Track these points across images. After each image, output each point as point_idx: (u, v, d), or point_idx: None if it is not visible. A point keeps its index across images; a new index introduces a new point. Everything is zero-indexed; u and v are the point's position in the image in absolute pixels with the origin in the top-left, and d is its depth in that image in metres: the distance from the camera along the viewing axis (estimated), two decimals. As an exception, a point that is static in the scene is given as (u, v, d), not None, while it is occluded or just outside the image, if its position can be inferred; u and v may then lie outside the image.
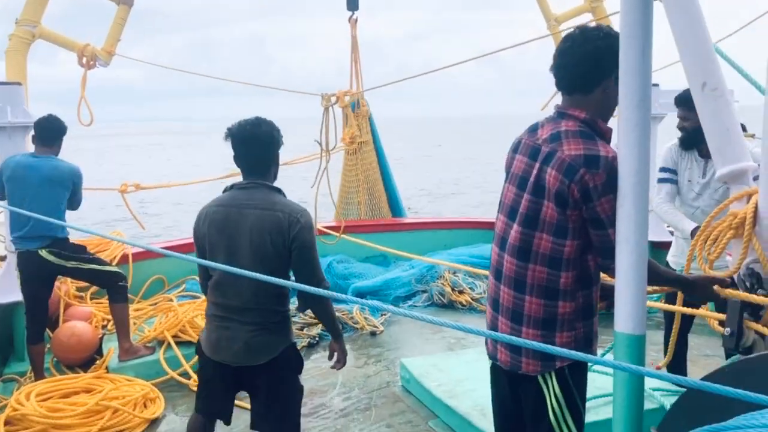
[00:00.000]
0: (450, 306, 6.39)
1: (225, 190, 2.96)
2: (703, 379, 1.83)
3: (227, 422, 3.09)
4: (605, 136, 2.25)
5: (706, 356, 4.97)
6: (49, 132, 4.83)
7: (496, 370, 2.48)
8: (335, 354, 3.13)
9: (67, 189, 4.77)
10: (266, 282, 2.73)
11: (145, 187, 6.62)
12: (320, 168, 5.93)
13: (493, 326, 2.38)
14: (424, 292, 6.60)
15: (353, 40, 7.63)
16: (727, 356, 3.60)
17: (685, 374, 3.93)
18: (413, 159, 38.97)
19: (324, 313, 3.09)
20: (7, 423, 3.88)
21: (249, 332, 2.84)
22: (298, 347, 5.25)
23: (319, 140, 5.84)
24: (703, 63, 2.65)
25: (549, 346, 1.54)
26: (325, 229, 6.94)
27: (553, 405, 2.27)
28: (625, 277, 1.97)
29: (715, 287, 2.42)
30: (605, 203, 2.08)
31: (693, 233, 3.70)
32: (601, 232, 2.13)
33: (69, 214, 4.91)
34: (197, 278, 3.28)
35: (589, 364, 2.78)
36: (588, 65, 2.21)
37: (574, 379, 2.30)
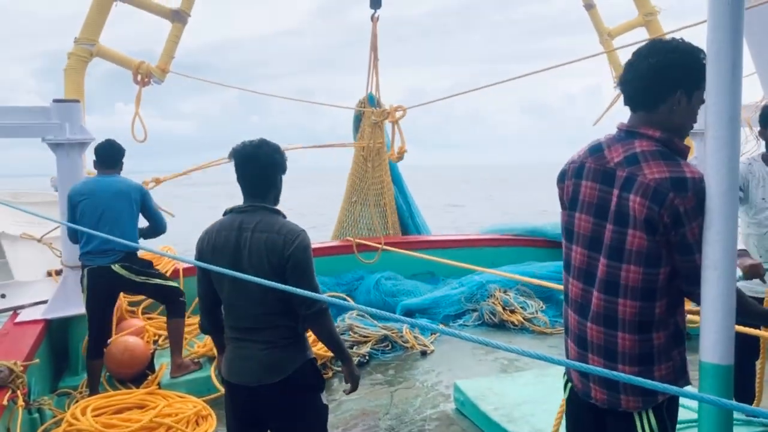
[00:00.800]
0: (501, 326, 6.26)
1: (225, 213, 2.96)
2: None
3: None
4: (684, 155, 2.13)
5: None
6: (110, 155, 4.99)
7: (577, 405, 2.36)
8: (346, 379, 3.04)
9: (137, 203, 4.91)
10: (273, 299, 2.75)
11: (165, 179, 6.59)
12: (382, 185, 5.82)
13: (580, 370, 2.26)
14: (474, 311, 6.49)
15: (373, 38, 7.45)
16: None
17: (753, 402, 3.74)
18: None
19: (324, 334, 2.93)
20: (63, 438, 3.90)
21: (262, 350, 2.83)
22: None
23: (364, 154, 5.79)
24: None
25: (649, 381, 1.43)
26: (366, 243, 6.91)
27: None
28: (713, 305, 1.87)
29: None
30: (696, 227, 1.95)
31: (746, 275, 3.26)
32: (688, 257, 2.00)
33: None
34: None
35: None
36: (650, 80, 2.09)
37: (669, 413, 2.19)
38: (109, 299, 4.94)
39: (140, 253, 5.43)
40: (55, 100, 5.41)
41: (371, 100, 7.47)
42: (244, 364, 2.87)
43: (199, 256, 2.93)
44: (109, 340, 5.21)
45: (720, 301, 1.87)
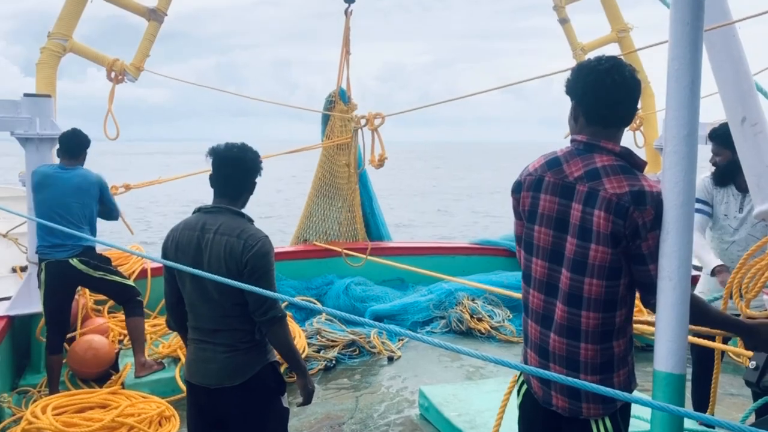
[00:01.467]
0: (468, 333, 6.30)
1: (194, 212, 2.98)
2: (754, 425, 1.77)
3: None
4: (641, 168, 2.19)
5: (730, 395, 4.85)
6: (74, 145, 4.94)
7: (533, 410, 2.40)
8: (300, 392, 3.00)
9: (95, 198, 4.90)
10: (231, 304, 2.78)
11: (135, 186, 6.52)
12: (351, 189, 5.85)
13: (544, 377, 2.29)
14: (442, 318, 6.52)
15: (346, 32, 7.34)
16: (754, 396, 3.51)
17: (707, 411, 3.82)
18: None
19: (278, 343, 2.90)
20: (22, 436, 3.84)
21: (222, 353, 2.84)
22: (314, 370, 5.25)
23: (347, 162, 5.80)
24: (743, 98, 2.62)
25: (611, 390, 1.46)
26: (349, 252, 6.91)
27: None
28: (668, 315, 1.92)
29: None
30: (651, 239, 2.01)
31: (714, 271, 3.64)
32: (643, 268, 2.06)
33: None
34: None
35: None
36: (636, 99, 2.20)
37: (623, 417, 2.25)
38: (67, 293, 4.90)
39: (108, 252, 5.40)
40: (26, 95, 5.35)
41: (342, 95, 7.40)
42: (204, 366, 2.88)
43: (164, 254, 2.94)
44: (69, 336, 5.16)
45: (674, 312, 1.92)
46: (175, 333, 5.31)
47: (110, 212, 5.14)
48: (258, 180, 3.04)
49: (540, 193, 2.24)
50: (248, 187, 2.98)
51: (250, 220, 2.94)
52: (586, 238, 2.10)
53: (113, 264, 5.31)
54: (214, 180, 2.94)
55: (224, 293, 2.77)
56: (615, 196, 2.04)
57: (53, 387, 4.74)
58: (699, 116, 1.90)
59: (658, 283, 1.96)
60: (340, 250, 6.74)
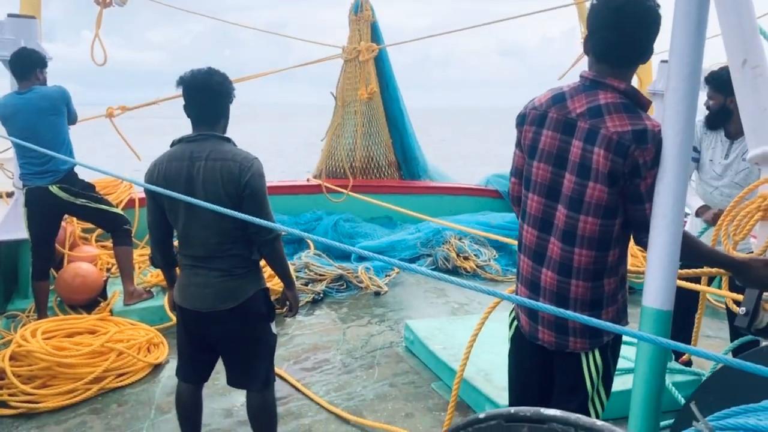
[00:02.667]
0: (454, 272, 6.38)
1: (173, 144, 2.92)
2: (741, 357, 1.82)
3: (205, 379, 3.12)
4: (645, 107, 2.16)
5: (707, 337, 4.98)
6: (21, 64, 4.65)
7: (522, 343, 2.44)
8: (288, 303, 3.12)
9: (62, 114, 4.66)
10: (229, 228, 2.78)
11: (132, 108, 6.38)
12: (333, 121, 5.83)
13: (532, 308, 2.33)
14: (428, 256, 6.59)
15: None
16: (734, 337, 3.62)
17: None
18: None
19: (279, 258, 2.99)
20: (11, 359, 3.88)
21: (217, 278, 2.87)
22: (301, 302, 5.32)
23: (334, 93, 5.74)
24: (746, 39, 2.59)
25: (599, 321, 1.48)
26: (332, 186, 6.89)
27: (592, 377, 2.26)
28: (659, 253, 1.94)
29: None
30: (649, 178, 1.99)
31: (699, 212, 3.74)
32: (639, 206, 2.06)
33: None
34: None
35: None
36: (651, 36, 2.09)
37: (613, 352, 2.30)
38: (50, 220, 4.80)
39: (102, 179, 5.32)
40: (10, 15, 5.19)
41: (356, 8, 7.19)
42: (198, 290, 2.90)
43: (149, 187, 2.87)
44: (55, 261, 5.15)
45: (666, 250, 1.94)
46: None
47: (70, 119, 4.78)
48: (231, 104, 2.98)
49: (542, 128, 2.22)
50: (222, 111, 2.93)
51: (235, 145, 2.92)
52: (585, 176, 2.10)
53: (100, 192, 5.27)
54: (189, 109, 2.89)
55: (222, 217, 2.75)
56: (616, 134, 2.03)
57: (41, 312, 4.76)
58: (703, 56, 1.88)
59: (651, 221, 1.97)
60: (321, 184, 6.67)
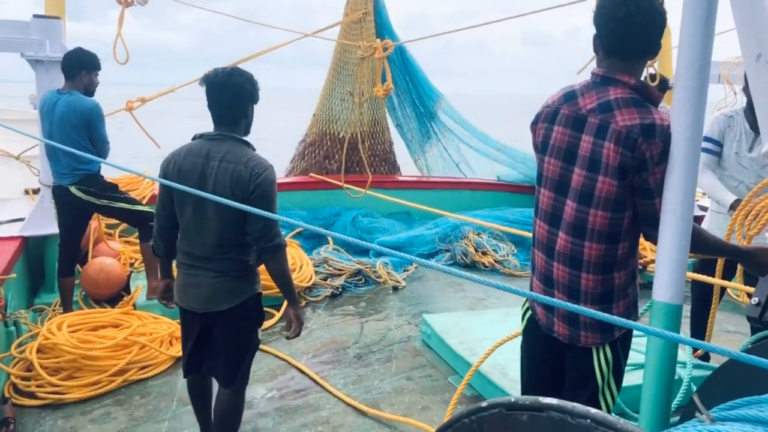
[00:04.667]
0: (473, 267, 6.41)
1: (194, 138, 2.96)
2: (747, 351, 1.83)
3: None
4: (656, 102, 2.18)
5: (727, 332, 4.96)
6: (68, 64, 4.73)
7: (535, 335, 2.47)
8: (291, 322, 3.05)
9: (77, 128, 4.62)
10: (229, 233, 2.81)
11: (150, 98, 6.43)
12: (355, 118, 5.87)
13: (546, 303, 2.36)
14: (447, 251, 6.62)
15: None
16: (752, 331, 3.60)
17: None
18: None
19: (279, 269, 2.96)
20: (39, 351, 3.99)
21: (213, 278, 2.90)
22: (320, 297, 5.38)
23: (351, 90, 5.78)
24: (761, 34, 2.58)
25: (608, 316, 1.50)
26: (350, 185, 6.94)
27: (603, 371, 2.28)
28: (669, 247, 1.96)
29: None
30: (658, 173, 2.02)
31: (734, 206, 3.67)
32: (648, 201, 2.08)
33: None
34: None
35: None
36: (657, 31, 2.13)
37: (623, 347, 2.33)
38: (75, 218, 4.88)
39: (122, 177, 5.42)
40: (35, 16, 5.30)
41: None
42: (195, 291, 2.94)
43: (164, 177, 2.92)
44: (86, 263, 5.27)
45: (676, 244, 1.96)
46: None
47: (95, 144, 4.71)
48: (255, 106, 3.01)
49: (554, 125, 2.26)
50: (242, 112, 2.93)
51: (254, 149, 2.95)
52: (595, 170, 2.12)
53: (124, 189, 5.36)
54: (210, 107, 2.93)
55: (225, 222, 2.82)
56: (625, 128, 2.05)
57: (67, 306, 4.87)
58: (712, 50, 1.90)
59: (661, 216, 1.99)
60: (341, 182, 6.74)
